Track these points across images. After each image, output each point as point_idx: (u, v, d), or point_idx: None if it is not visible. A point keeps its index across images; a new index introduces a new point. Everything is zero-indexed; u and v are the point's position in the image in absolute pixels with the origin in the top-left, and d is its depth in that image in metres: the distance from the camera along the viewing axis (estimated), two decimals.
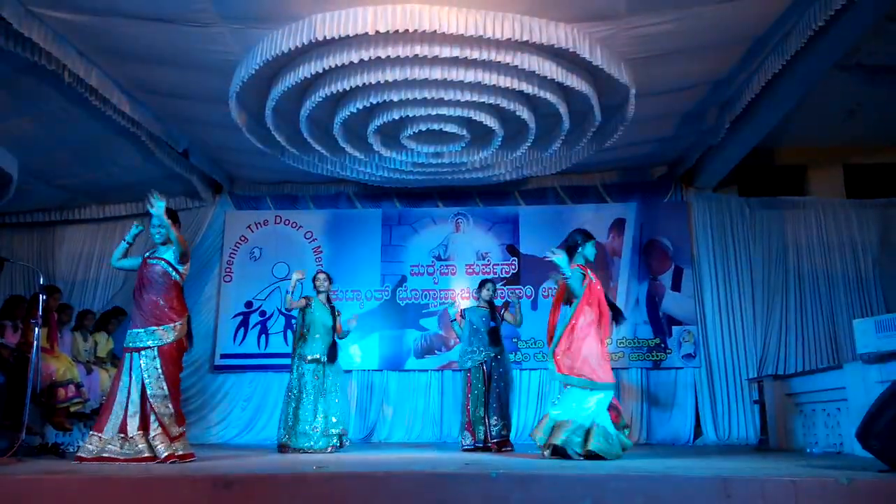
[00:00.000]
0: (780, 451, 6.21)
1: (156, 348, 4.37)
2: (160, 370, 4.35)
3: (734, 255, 8.43)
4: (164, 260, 4.54)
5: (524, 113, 6.13)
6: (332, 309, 6.23)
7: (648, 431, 8.00)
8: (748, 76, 6.14)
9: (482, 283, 6.51)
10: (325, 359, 6.01)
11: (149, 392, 4.30)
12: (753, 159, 8.05)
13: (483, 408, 6.05)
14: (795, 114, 7.13)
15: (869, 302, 8.19)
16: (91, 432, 4.34)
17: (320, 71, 5.39)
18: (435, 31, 4.90)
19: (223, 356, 8.52)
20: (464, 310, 6.48)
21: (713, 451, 6.49)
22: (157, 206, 4.43)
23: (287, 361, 6.72)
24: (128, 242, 4.66)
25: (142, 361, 4.34)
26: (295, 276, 6.04)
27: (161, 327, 4.40)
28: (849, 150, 8.60)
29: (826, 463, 4.11)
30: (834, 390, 5.61)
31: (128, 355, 4.42)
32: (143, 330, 4.40)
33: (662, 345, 8.25)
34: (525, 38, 5.06)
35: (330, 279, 6.34)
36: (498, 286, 6.99)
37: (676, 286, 8.41)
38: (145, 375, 4.32)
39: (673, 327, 8.29)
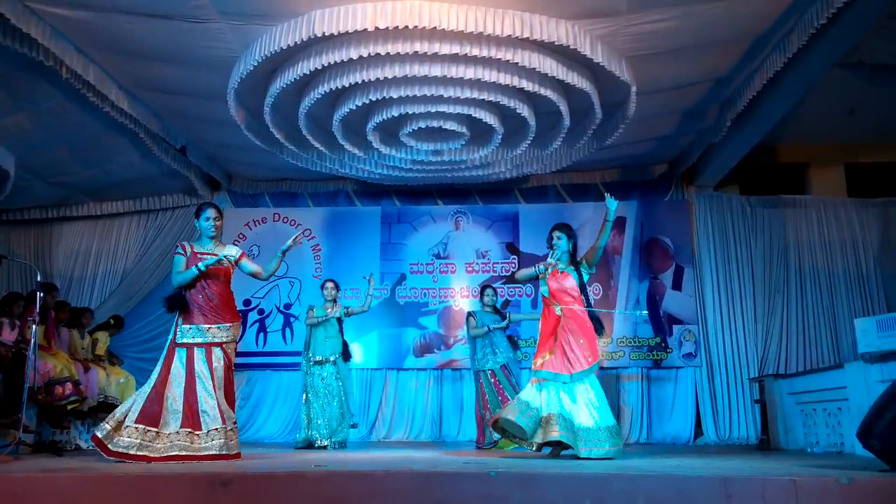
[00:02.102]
0: (780, 451, 6.19)
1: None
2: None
3: (735, 254, 8.41)
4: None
5: (524, 110, 6.10)
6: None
7: (649, 431, 7.98)
8: (749, 74, 6.13)
9: (483, 290, 6.68)
10: (334, 359, 6.39)
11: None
12: (754, 158, 8.04)
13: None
14: (796, 112, 7.13)
15: (870, 301, 8.20)
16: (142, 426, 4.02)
17: (319, 67, 5.37)
18: (435, 27, 4.88)
19: None
20: (474, 312, 6.69)
21: (714, 450, 6.48)
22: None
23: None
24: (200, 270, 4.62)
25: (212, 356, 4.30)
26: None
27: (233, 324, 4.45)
28: (850, 148, 8.59)
29: (827, 462, 4.09)
30: (835, 389, 5.60)
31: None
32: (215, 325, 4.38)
33: (663, 344, 8.23)
34: (525, 35, 5.04)
35: (337, 287, 6.69)
36: (497, 285, 7.01)
37: (677, 285, 8.39)
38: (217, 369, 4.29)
39: (673, 326, 8.27)
